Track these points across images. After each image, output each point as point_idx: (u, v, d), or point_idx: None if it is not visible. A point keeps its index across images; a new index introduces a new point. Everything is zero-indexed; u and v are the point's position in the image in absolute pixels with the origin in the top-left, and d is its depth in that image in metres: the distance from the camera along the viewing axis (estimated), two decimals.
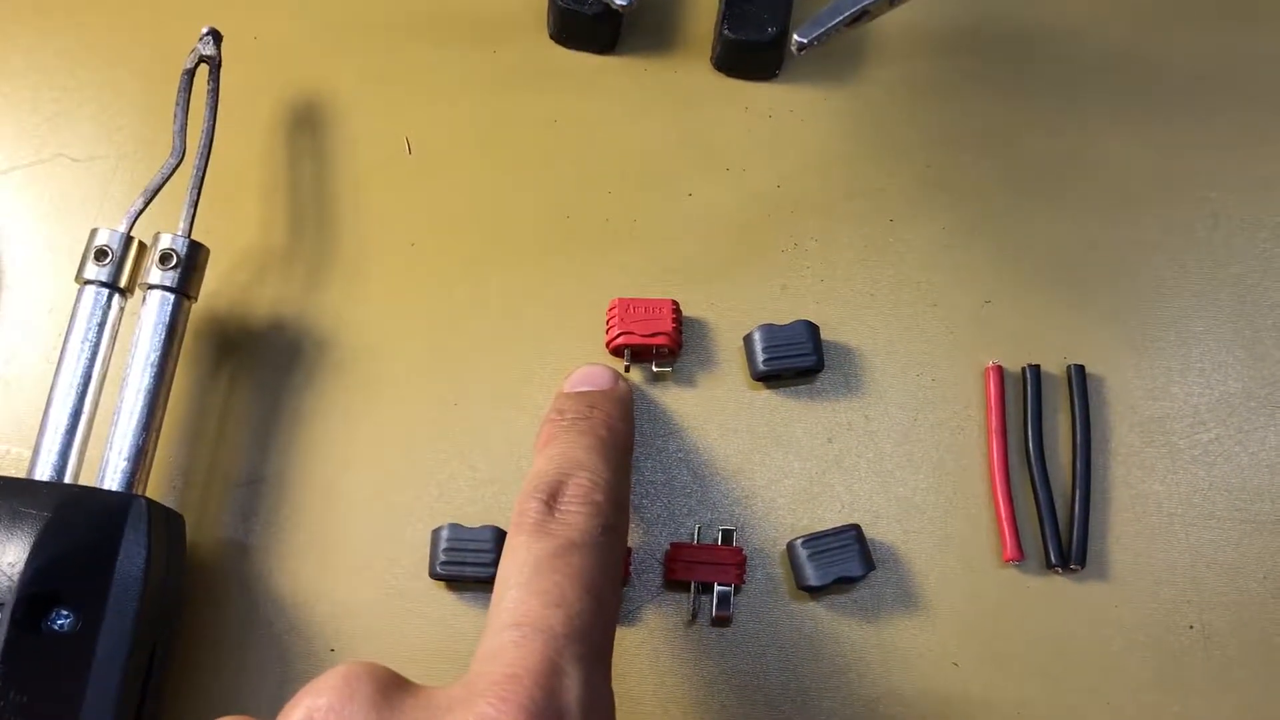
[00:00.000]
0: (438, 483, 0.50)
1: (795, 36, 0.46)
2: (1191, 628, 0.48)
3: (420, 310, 0.53)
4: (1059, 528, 0.49)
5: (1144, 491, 0.50)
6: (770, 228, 0.55)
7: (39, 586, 0.41)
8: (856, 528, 0.48)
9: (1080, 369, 0.52)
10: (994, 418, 0.51)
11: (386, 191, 0.56)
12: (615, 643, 0.47)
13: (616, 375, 0.50)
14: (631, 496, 0.50)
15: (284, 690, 0.47)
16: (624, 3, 0.49)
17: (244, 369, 0.52)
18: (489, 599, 0.48)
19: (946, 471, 0.51)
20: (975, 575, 0.49)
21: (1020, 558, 0.49)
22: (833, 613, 0.49)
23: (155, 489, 0.49)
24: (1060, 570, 0.49)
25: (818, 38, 0.46)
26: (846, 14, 0.46)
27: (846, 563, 0.48)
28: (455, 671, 0.47)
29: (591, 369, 0.49)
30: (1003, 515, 0.49)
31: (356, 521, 0.50)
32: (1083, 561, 0.49)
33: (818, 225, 0.55)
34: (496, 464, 0.51)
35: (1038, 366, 0.52)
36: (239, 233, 0.54)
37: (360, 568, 0.49)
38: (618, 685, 0.47)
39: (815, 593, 0.49)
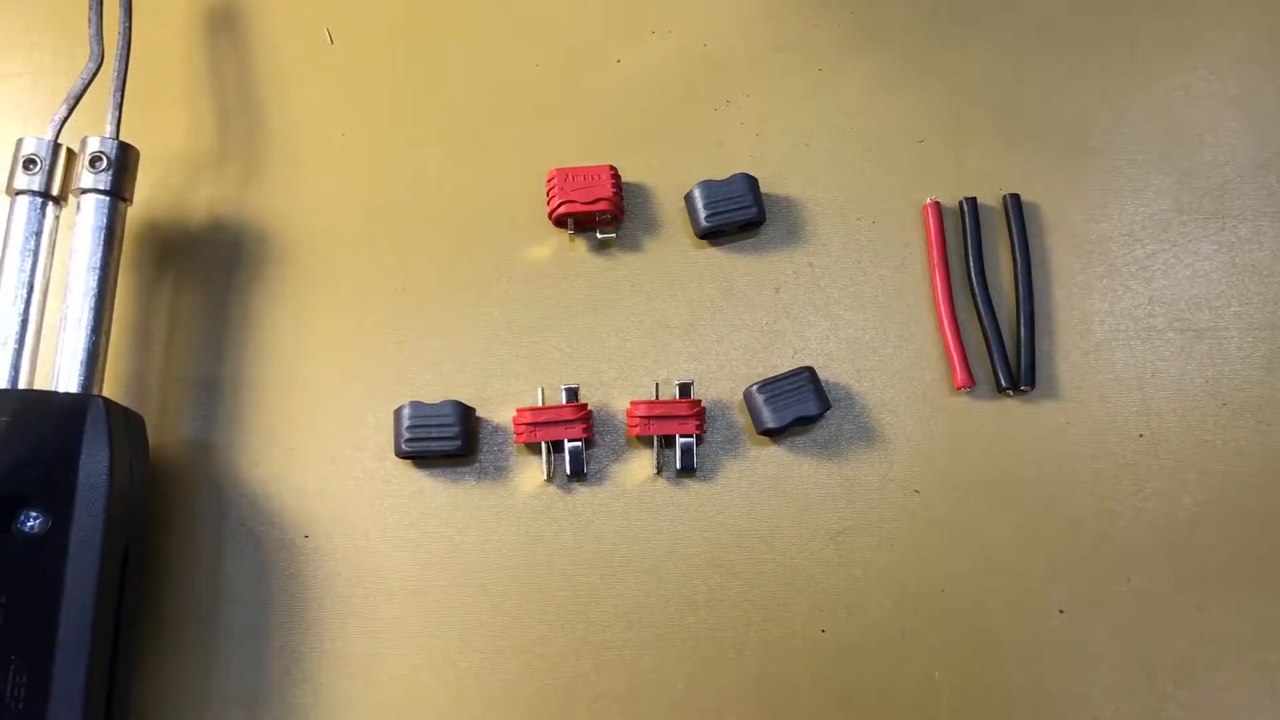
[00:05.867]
0: (395, 365, 0.51)
1: None
2: (1141, 436, 0.50)
3: (359, 198, 0.53)
4: (1006, 352, 0.50)
5: (1086, 310, 0.51)
6: (701, 87, 0.55)
7: (5, 490, 0.41)
8: (810, 370, 0.49)
9: (1016, 198, 0.52)
10: (935, 252, 0.51)
11: (312, 84, 0.55)
12: (584, 503, 0.48)
13: None
14: (588, 362, 0.51)
15: (265, 582, 0.48)
16: None
17: (188, 272, 0.52)
18: (456, 473, 0.49)
19: (893, 309, 0.51)
20: (929, 405, 0.50)
21: (971, 384, 0.50)
22: (794, 453, 0.50)
23: (111, 395, 0.48)
24: (1011, 393, 0.50)
25: None
26: None
27: (803, 403, 0.48)
28: (427, 546, 0.48)
29: None
30: (951, 345, 0.50)
31: (318, 410, 0.50)
32: (1032, 382, 0.50)
33: (748, 80, 0.55)
34: (450, 341, 0.51)
35: (974, 199, 0.52)
36: (168, 135, 0.54)
37: (326, 455, 0.49)
38: (589, 545, 0.48)
39: (775, 435, 0.49)
